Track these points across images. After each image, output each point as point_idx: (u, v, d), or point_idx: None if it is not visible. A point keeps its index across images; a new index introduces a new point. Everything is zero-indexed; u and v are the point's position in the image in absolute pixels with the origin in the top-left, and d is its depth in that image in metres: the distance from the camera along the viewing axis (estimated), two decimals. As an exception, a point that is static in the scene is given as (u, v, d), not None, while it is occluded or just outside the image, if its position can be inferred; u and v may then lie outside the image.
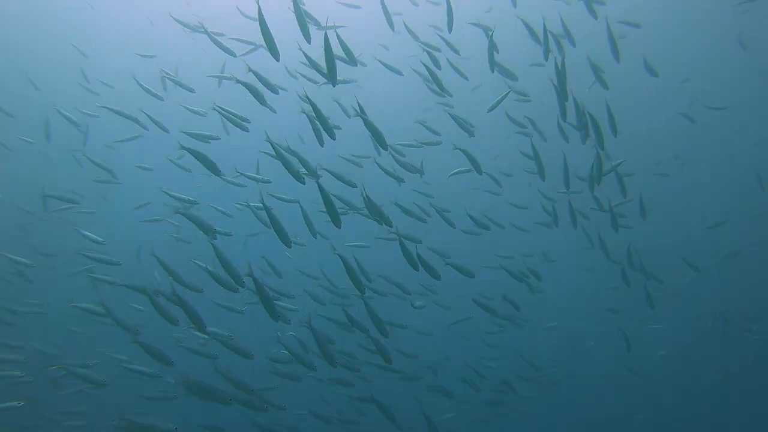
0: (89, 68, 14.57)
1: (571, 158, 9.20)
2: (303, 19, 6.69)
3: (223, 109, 7.15)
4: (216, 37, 8.97)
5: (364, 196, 6.39)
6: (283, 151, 6.22)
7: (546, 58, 8.52)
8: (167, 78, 9.67)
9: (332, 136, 6.50)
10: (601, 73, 10.03)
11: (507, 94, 7.92)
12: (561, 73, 7.10)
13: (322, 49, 6.25)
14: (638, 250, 11.33)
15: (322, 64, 6.43)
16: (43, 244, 13.30)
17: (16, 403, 7.55)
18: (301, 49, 6.69)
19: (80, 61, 15.39)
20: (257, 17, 11.65)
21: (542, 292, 11.22)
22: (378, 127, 6.82)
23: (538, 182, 9.96)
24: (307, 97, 6.27)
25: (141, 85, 9.91)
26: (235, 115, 7.26)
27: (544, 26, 8.28)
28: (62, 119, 12.49)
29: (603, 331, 15.98)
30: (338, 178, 7.15)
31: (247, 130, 7.52)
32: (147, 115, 9.56)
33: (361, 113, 6.60)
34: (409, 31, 10.66)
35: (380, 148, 6.69)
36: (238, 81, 6.86)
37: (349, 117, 9.91)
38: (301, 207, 7.76)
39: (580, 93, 7.96)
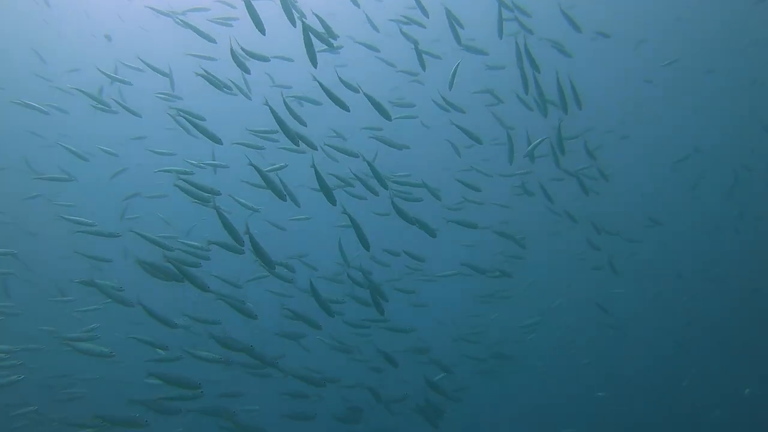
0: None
1: (533, 127, 9.73)
2: (287, 5, 6.97)
3: (207, 73, 7.36)
4: (199, 10, 9.14)
5: (367, 162, 6.81)
6: (280, 117, 6.47)
7: (500, 36, 9.08)
8: (138, 66, 9.71)
9: (346, 109, 6.93)
10: (562, 47, 10.71)
11: (457, 66, 8.22)
12: (521, 50, 7.62)
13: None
14: (604, 213, 12.05)
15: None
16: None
17: (15, 377, 7.57)
18: (302, 19, 6.94)
19: (39, 65, 15.08)
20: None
21: (522, 258, 11.75)
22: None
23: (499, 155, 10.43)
24: (315, 78, 6.61)
25: (104, 73, 9.90)
26: (220, 80, 7.48)
27: (499, 4, 8.79)
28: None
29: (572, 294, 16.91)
30: (340, 150, 7.55)
31: (230, 89, 7.80)
32: (116, 101, 9.61)
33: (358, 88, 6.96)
34: (370, 22, 11.08)
35: (385, 119, 7.13)
36: (232, 53, 7.05)
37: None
38: (281, 181, 7.97)
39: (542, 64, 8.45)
